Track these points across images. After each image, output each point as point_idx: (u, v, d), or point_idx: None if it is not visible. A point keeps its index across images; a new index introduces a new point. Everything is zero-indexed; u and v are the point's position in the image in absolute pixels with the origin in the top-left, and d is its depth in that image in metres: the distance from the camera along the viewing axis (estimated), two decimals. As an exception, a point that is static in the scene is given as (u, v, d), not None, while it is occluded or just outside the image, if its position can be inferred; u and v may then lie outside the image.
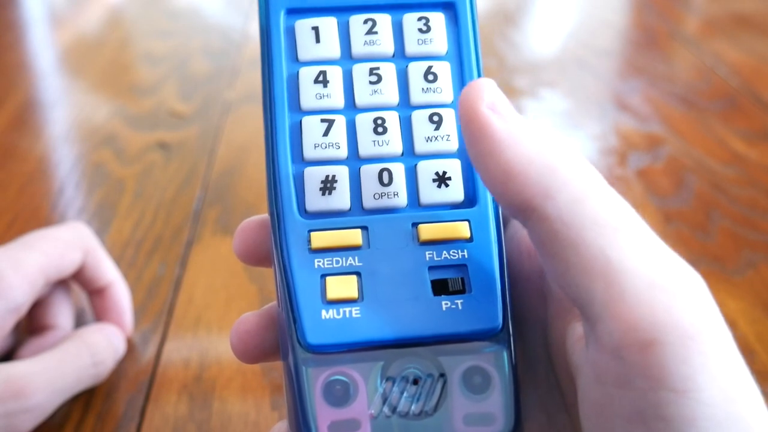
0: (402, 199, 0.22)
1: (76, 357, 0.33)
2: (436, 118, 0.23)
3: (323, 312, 0.21)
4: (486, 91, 0.20)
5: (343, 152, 0.23)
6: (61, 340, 0.34)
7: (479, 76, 0.23)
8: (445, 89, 0.23)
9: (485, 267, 0.21)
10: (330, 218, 0.22)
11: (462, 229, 0.22)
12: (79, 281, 0.38)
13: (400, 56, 0.23)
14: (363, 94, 0.23)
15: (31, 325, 0.37)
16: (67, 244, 0.36)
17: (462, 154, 0.23)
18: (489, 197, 0.22)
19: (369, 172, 0.22)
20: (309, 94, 0.23)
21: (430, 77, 0.23)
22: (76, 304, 0.40)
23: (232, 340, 0.23)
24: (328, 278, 0.21)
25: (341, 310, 0.21)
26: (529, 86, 0.68)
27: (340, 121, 0.23)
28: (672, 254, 0.18)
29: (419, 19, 0.23)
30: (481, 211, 0.22)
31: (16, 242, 0.35)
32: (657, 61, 0.74)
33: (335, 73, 0.23)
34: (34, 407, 0.31)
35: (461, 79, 0.23)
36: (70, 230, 0.37)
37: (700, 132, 0.60)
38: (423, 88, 0.23)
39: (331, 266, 0.21)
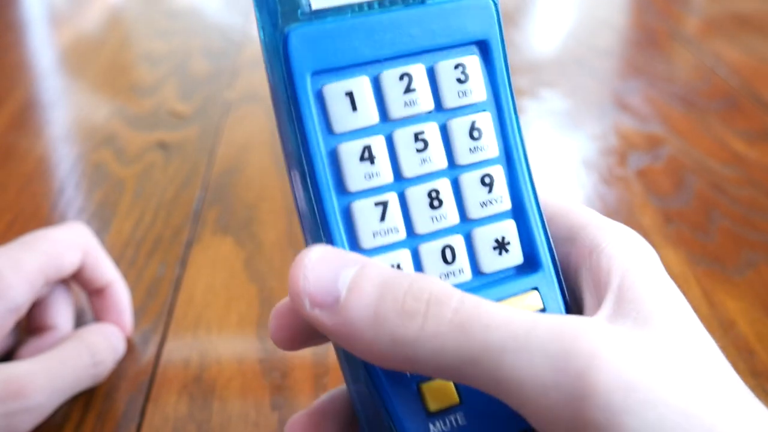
0: (467, 275, 0.21)
1: (76, 357, 0.33)
2: (487, 180, 0.22)
3: (431, 426, 0.20)
4: (302, 291, 0.19)
5: (402, 235, 0.21)
6: (61, 340, 0.34)
7: (517, 123, 0.22)
8: (490, 145, 0.22)
9: None
10: None
11: (534, 302, 0.21)
12: (78, 281, 0.38)
13: (439, 110, 0.22)
14: (412, 165, 0.21)
15: (31, 325, 0.37)
16: (67, 244, 0.36)
17: (516, 213, 0.22)
18: (549, 257, 0.22)
19: (430, 251, 0.21)
20: (357, 175, 0.21)
21: (476, 134, 0.22)
22: (76, 304, 0.40)
23: None
24: (423, 386, 0.20)
25: (447, 420, 0.20)
26: (529, 86, 0.68)
27: (394, 201, 0.21)
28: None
29: (456, 66, 0.22)
30: (546, 276, 0.22)
31: (16, 242, 0.35)
32: (657, 61, 0.74)
33: (379, 146, 0.21)
34: (33, 407, 0.31)
35: (502, 128, 0.22)
36: (70, 230, 0.37)
37: (700, 132, 0.60)
38: (470, 148, 0.22)
39: None
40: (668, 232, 0.47)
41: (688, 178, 0.53)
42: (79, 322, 0.39)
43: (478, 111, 0.22)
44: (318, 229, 0.21)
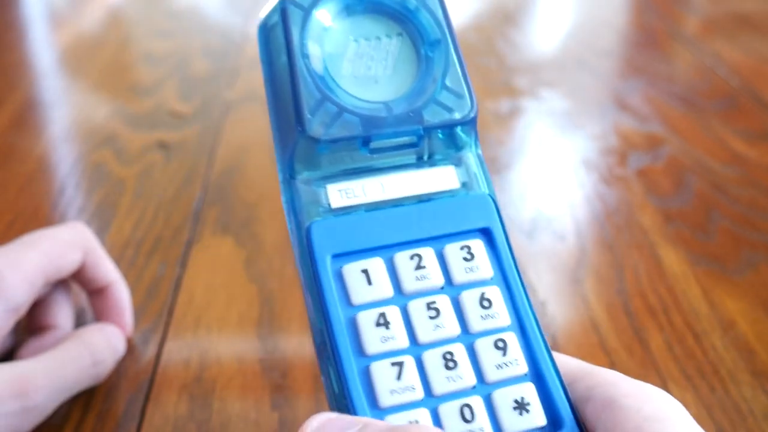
0: None
1: (76, 357, 0.33)
2: (501, 344, 0.23)
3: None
4: None
5: (419, 394, 0.22)
6: (61, 340, 0.34)
7: (526, 296, 0.24)
8: (501, 314, 0.23)
9: None
10: None
11: None
12: (79, 281, 0.38)
13: (449, 286, 0.24)
14: (425, 330, 0.23)
15: (31, 325, 0.37)
16: (67, 243, 0.36)
17: (533, 376, 0.23)
18: (571, 416, 0.22)
19: (449, 411, 0.22)
20: (373, 338, 0.22)
21: (486, 303, 0.23)
22: (76, 304, 0.40)
23: None
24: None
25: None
26: (529, 86, 0.68)
27: (410, 362, 0.22)
28: None
29: (461, 248, 0.24)
30: None
31: (16, 242, 0.35)
32: (657, 61, 0.74)
33: (394, 313, 0.23)
34: (33, 407, 0.31)
35: (512, 300, 0.24)
36: (70, 230, 0.37)
37: (700, 132, 0.60)
38: (482, 316, 0.23)
39: None
40: (668, 232, 0.47)
41: (688, 178, 0.53)
42: (79, 322, 0.39)
43: (486, 285, 0.24)
44: (341, 393, 0.22)
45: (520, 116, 0.62)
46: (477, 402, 0.22)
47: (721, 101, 0.65)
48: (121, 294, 0.38)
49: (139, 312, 0.40)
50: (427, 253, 0.24)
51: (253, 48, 0.76)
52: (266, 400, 0.35)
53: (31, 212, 0.50)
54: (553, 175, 0.54)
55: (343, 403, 0.22)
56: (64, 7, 0.91)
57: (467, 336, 0.23)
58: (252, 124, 0.61)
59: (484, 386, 0.23)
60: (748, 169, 0.54)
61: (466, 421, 0.22)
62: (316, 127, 0.23)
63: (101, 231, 0.47)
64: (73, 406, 0.35)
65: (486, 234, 0.25)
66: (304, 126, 0.23)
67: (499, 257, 0.24)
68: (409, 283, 0.23)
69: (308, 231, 0.23)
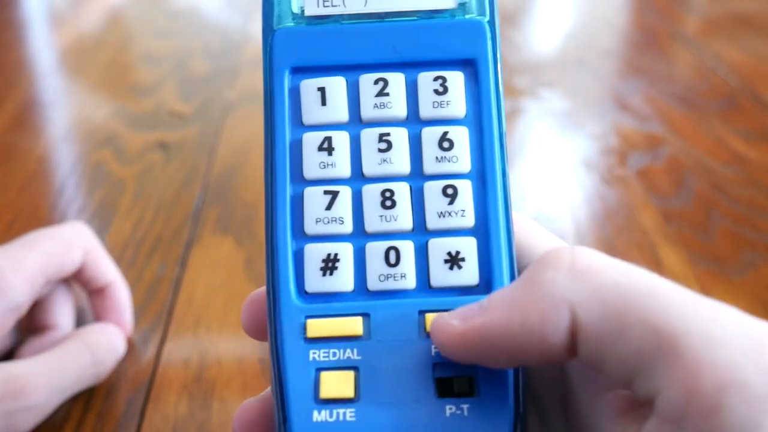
0: (410, 282, 0.20)
1: (76, 357, 0.33)
2: (450, 191, 0.21)
3: (315, 413, 0.19)
4: (450, 316, 0.19)
5: (347, 227, 0.21)
6: (61, 340, 0.34)
7: (501, 141, 0.21)
8: (461, 158, 0.21)
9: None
10: (330, 302, 0.20)
11: None
12: (79, 281, 0.38)
13: (414, 120, 0.21)
14: (371, 163, 0.21)
15: (31, 325, 0.37)
16: (68, 243, 0.36)
17: (478, 232, 0.21)
18: (507, 280, 0.20)
19: (375, 250, 0.21)
20: (312, 163, 0.21)
21: (446, 144, 0.21)
22: (76, 304, 0.40)
23: (235, 429, 0.22)
24: (322, 373, 0.19)
25: (335, 412, 0.19)
26: (529, 86, 0.68)
27: (346, 193, 0.21)
28: (728, 308, 0.17)
29: (435, 78, 0.21)
30: None
31: (16, 242, 0.35)
32: (657, 61, 0.74)
33: (342, 140, 0.21)
34: (33, 407, 0.31)
35: (480, 146, 0.21)
36: (70, 230, 0.37)
37: (700, 132, 0.60)
38: (437, 157, 0.21)
39: (327, 359, 0.20)
40: (668, 232, 0.47)
41: (688, 178, 0.53)
42: (80, 321, 0.39)
43: (453, 124, 0.21)
44: (268, 214, 0.21)
45: (520, 116, 0.62)
46: (407, 247, 0.20)
47: (721, 101, 0.65)
48: (121, 294, 0.38)
49: (139, 312, 0.40)
50: (396, 79, 0.21)
51: (253, 48, 0.76)
52: (266, 400, 0.35)
53: (31, 212, 0.50)
54: (553, 175, 0.54)
55: (268, 226, 0.21)
56: (64, 7, 0.91)
57: (417, 177, 0.21)
58: (252, 124, 0.61)
59: (421, 233, 0.21)
60: (748, 169, 0.54)
61: (389, 264, 0.20)
62: None
63: (101, 231, 0.47)
64: (73, 406, 0.35)
65: (471, 66, 0.22)
66: None
67: (479, 95, 0.21)
68: (368, 110, 0.21)
69: (272, 38, 0.21)
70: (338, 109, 0.21)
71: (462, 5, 0.22)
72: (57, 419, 0.34)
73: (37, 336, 0.36)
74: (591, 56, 0.75)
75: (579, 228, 0.48)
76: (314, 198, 0.21)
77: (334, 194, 0.21)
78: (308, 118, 0.21)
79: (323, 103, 0.21)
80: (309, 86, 0.21)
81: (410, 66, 0.22)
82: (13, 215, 0.49)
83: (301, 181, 0.21)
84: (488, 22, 0.22)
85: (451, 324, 0.19)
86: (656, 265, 0.44)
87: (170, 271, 0.44)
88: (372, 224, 0.21)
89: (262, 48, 0.22)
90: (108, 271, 0.38)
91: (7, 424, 0.30)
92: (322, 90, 0.21)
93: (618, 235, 0.47)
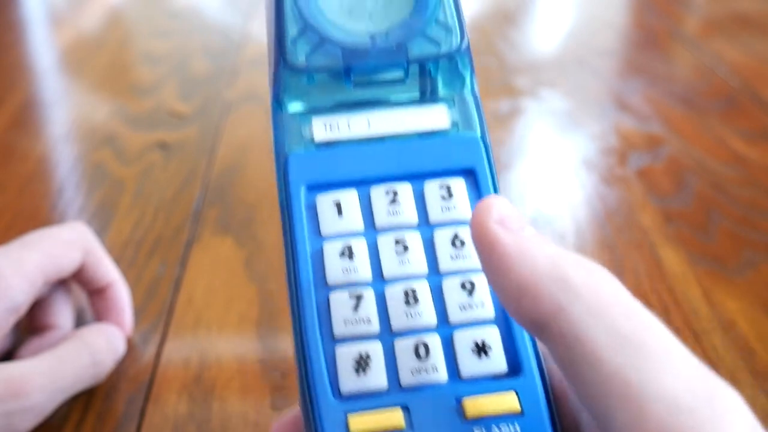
0: (442, 374, 0.21)
1: (76, 357, 0.33)
2: (468, 285, 0.22)
3: None
4: (495, 207, 0.19)
5: (374, 327, 0.22)
6: (61, 340, 0.34)
7: None
8: (473, 255, 0.22)
9: None
10: (367, 399, 0.21)
11: (511, 402, 0.21)
12: (79, 281, 0.38)
13: (425, 224, 0.23)
14: (391, 266, 0.22)
15: (31, 325, 0.37)
16: (67, 243, 0.36)
17: (499, 321, 0.22)
18: (534, 365, 0.21)
19: (404, 346, 0.21)
20: (335, 269, 0.22)
21: (458, 243, 0.23)
22: (76, 304, 0.40)
23: None
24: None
25: None
26: (529, 86, 0.68)
27: (370, 294, 0.22)
28: (704, 371, 0.17)
29: (441, 186, 0.23)
30: (528, 381, 0.21)
31: (16, 242, 0.35)
32: (657, 61, 0.74)
33: (361, 246, 0.22)
34: (33, 407, 0.31)
35: None
36: (70, 230, 0.37)
37: (700, 132, 0.60)
38: (452, 255, 0.22)
39: None
40: (668, 232, 0.47)
41: (688, 178, 0.53)
42: (79, 322, 0.39)
43: (462, 225, 0.23)
44: (297, 321, 0.22)
45: (520, 116, 0.62)
46: (434, 340, 0.21)
47: (721, 101, 0.65)
48: (121, 294, 0.38)
49: (139, 312, 0.40)
50: (404, 189, 0.23)
51: (253, 48, 0.76)
52: (266, 400, 0.35)
53: (31, 212, 0.50)
54: (553, 175, 0.54)
55: (297, 332, 0.22)
56: (64, 7, 0.91)
57: (435, 275, 0.22)
58: (252, 124, 0.61)
59: (445, 326, 0.22)
60: (748, 169, 0.54)
61: (419, 358, 0.21)
62: (297, 55, 0.23)
63: (101, 231, 0.47)
64: (73, 406, 0.35)
65: (471, 175, 0.24)
66: (285, 54, 0.23)
67: (481, 198, 0.23)
68: (382, 218, 0.23)
69: (286, 162, 0.23)
70: (354, 219, 0.23)
71: (455, 124, 0.24)
72: (57, 419, 0.34)
73: (37, 336, 0.36)
74: (591, 56, 0.75)
75: (579, 228, 0.48)
76: (341, 301, 0.22)
77: (359, 296, 0.22)
78: (326, 229, 0.23)
79: (339, 214, 0.23)
80: (325, 200, 0.23)
81: (416, 177, 0.23)
82: (13, 215, 0.49)
83: (325, 286, 0.22)
84: (480, 137, 0.24)
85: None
86: (656, 265, 0.44)
87: (170, 271, 0.44)
88: (398, 322, 0.22)
89: (275, 168, 0.24)
90: (108, 272, 0.38)
91: (7, 425, 0.30)
92: (337, 203, 0.23)
93: (618, 235, 0.47)
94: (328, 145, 0.24)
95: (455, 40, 0.24)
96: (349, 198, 0.23)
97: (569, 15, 0.90)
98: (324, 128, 0.24)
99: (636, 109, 0.63)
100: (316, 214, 0.23)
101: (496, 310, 0.22)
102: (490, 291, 0.22)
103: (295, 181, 0.23)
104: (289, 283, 0.22)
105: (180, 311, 0.41)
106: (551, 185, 0.53)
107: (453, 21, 0.24)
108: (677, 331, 0.39)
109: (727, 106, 0.64)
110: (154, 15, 0.87)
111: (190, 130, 0.60)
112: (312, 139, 0.24)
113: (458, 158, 0.24)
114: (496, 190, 0.23)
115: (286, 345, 0.38)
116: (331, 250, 0.22)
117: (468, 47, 0.24)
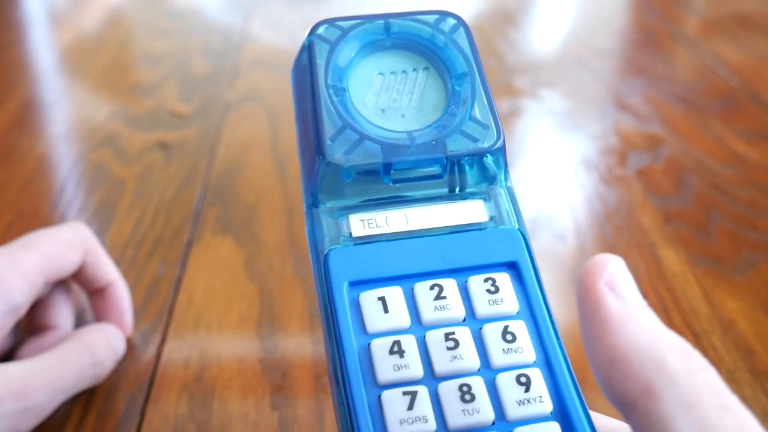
0: None
1: (76, 357, 0.33)
2: (523, 380, 0.22)
3: None
4: (608, 268, 0.19)
5: (431, 425, 0.21)
6: (61, 340, 0.34)
7: (555, 333, 0.23)
8: (525, 349, 0.22)
9: None
10: None
11: None
12: (79, 281, 0.38)
13: (472, 318, 0.23)
14: (442, 362, 0.22)
15: (31, 325, 0.37)
16: (67, 243, 0.36)
17: (559, 417, 0.22)
18: None
19: None
20: (385, 367, 0.22)
21: (509, 337, 0.22)
22: (76, 304, 0.40)
23: None
24: None
25: None
26: (529, 86, 0.68)
27: (423, 392, 0.21)
28: None
29: (485, 280, 0.23)
30: None
31: (16, 242, 0.35)
32: (657, 61, 0.74)
33: (410, 343, 0.22)
34: (33, 407, 0.31)
35: (539, 336, 0.23)
36: (70, 230, 0.37)
37: (700, 132, 0.60)
38: (504, 349, 0.22)
39: None
40: (668, 232, 0.47)
41: (688, 178, 0.53)
42: (79, 322, 0.39)
43: (511, 319, 0.23)
44: (350, 424, 0.21)
45: (520, 116, 0.62)
46: None
47: (721, 101, 0.65)
48: (121, 294, 0.38)
49: (139, 312, 0.40)
50: (449, 284, 0.23)
51: (253, 48, 0.76)
52: (266, 400, 0.35)
53: (31, 212, 0.50)
54: (553, 175, 0.54)
55: (349, 429, 0.21)
56: (64, 7, 0.91)
57: (488, 370, 0.22)
58: (252, 124, 0.61)
59: (503, 423, 0.21)
60: (748, 169, 0.54)
61: None
62: (336, 153, 0.23)
63: (101, 231, 0.47)
64: (73, 406, 0.35)
65: (513, 268, 0.24)
66: (324, 152, 0.23)
67: (526, 292, 0.23)
68: (428, 314, 0.23)
69: (326, 258, 0.23)
70: (400, 315, 0.23)
71: (492, 218, 0.25)
72: (57, 419, 0.34)
73: (37, 336, 0.36)
74: (591, 56, 0.75)
75: (579, 228, 0.48)
76: (394, 400, 0.21)
77: (413, 394, 0.21)
78: (372, 326, 0.22)
79: (385, 310, 0.23)
80: (369, 297, 0.23)
81: (459, 271, 0.23)
82: (13, 215, 0.49)
83: (375, 386, 0.22)
84: (518, 229, 0.25)
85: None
86: (656, 265, 0.44)
87: (170, 271, 0.44)
88: (455, 420, 0.21)
89: (312, 263, 0.24)
90: (108, 272, 0.38)
91: (7, 425, 0.30)
92: (382, 299, 0.23)
93: (618, 235, 0.47)
94: (366, 240, 0.24)
95: (492, 136, 0.24)
96: (394, 294, 0.23)
97: (569, 15, 0.90)
98: (362, 225, 0.24)
99: (636, 110, 0.63)
100: (360, 311, 0.23)
101: (553, 404, 0.22)
102: (546, 384, 0.22)
103: (338, 278, 0.23)
104: (336, 383, 0.22)
105: (180, 311, 0.41)
106: (551, 185, 0.53)
107: (488, 118, 0.24)
108: (677, 331, 0.39)
109: (726, 106, 0.64)
110: (154, 15, 0.87)
111: (190, 130, 0.60)
112: (350, 235, 0.24)
113: (500, 252, 0.24)
114: (539, 282, 0.23)
115: (286, 345, 0.38)
116: (380, 348, 0.22)
117: (504, 145, 0.25)
